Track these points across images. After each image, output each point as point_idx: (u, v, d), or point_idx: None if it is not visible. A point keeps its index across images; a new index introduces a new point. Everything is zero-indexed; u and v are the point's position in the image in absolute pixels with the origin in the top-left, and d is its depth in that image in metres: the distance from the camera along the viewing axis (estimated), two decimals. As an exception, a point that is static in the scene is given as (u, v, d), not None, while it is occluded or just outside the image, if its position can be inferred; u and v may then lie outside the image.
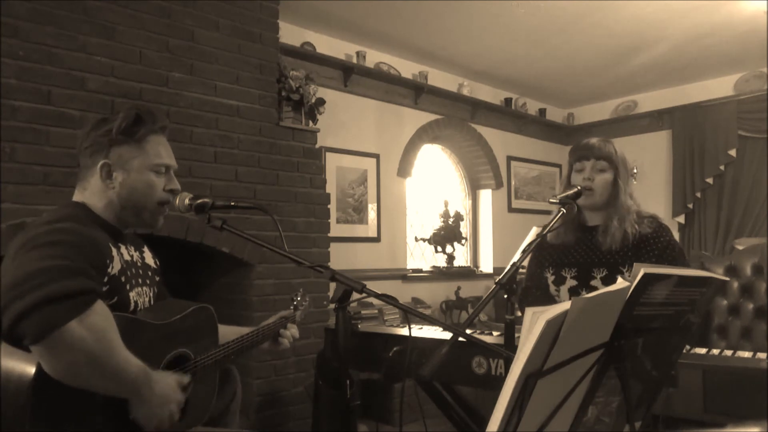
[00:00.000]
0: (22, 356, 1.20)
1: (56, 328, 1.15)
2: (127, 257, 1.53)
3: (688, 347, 1.90)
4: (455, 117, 4.96)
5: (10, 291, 1.17)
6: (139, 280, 1.55)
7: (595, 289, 1.98)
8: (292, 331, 1.88)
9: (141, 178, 1.50)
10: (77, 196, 1.53)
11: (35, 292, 1.16)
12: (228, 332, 1.75)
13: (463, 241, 4.92)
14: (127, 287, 1.46)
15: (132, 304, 1.47)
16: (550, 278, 2.13)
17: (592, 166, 2.00)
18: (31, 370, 1.19)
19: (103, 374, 1.23)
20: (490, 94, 5.28)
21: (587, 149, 2.03)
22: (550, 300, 2.12)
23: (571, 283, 2.06)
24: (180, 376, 1.42)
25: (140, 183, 1.50)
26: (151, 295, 1.60)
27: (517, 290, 1.66)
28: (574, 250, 2.08)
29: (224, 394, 1.85)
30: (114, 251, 1.44)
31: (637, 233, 1.97)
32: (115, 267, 1.42)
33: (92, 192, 1.50)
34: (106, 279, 1.37)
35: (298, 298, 2.04)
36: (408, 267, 4.65)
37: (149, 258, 1.68)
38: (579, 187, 1.98)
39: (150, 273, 1.64)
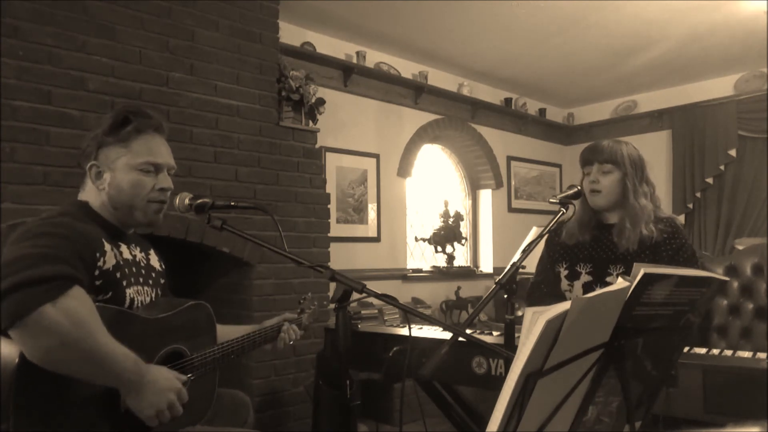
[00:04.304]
0: (11, 345, 1.21)
1: (29, 312, 1.16)
2: (127, 255, 1.53)
3: (687, 348, 1.90)
4: (455, 117, 4.95)
5: None
6: (140, 279, 1.54)
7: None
8: (290, 333, 1.88)
9: (126, 178, 1.51)
10: (80, 196, 1.56)
11: (10, 278, 1.18)
12: (229, 331, 1.75)
13: (463, 241, 4.92)
14: (123, 284, 1.46)
15: (128, 301, 1.46)
16: (564, 273, 2.12)
17: (598, 169, 2.01)
18: (15, 359, 1.19)
19: (83, 359, 1.22)
20: (490, 94, 5.28)
21: (592, 153, 2.04)
22: (559, 297, 2.12)
23: (585, 278, 2.06)
24: (176, 373, 1.41)
25: (126, 182, 1.50)
26: (153, 295, 1.60)
27: (518, 290, 1.66)
28: (590, 246, 2.08)
29: (236, 420, 1.85)
30: (108, 247, 1.44)
31: (652, 237, 1.96)
32: (108, 262, 1.42)
33: (89, 193, 1.54)
34: (97, 273, 1.37)
35: (304, 302, 2.03)
36: (408, 267, 4.65)
37: (155, 260, 1.69)
38: (579, 187, 1.99)
39: (154, 274, 1.64)
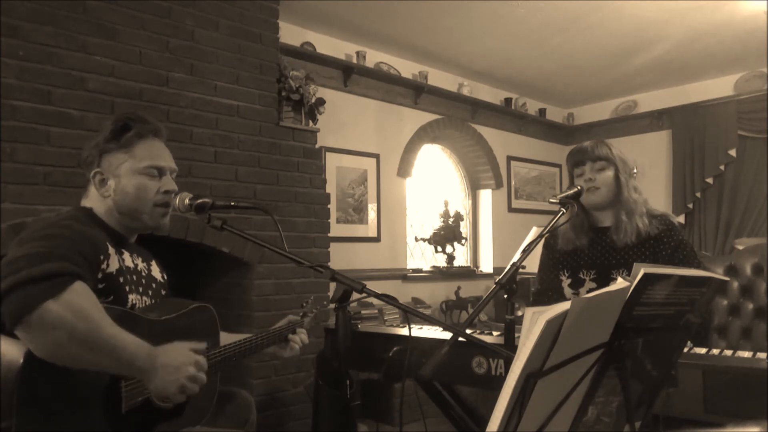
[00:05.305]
0: (15, 344, 1.21)
1: (32, 310, 1.17)
2: (129, 264, 1.54)
3: (689, 346, 1.90)
4: (455, 117, 4.95)
5: None
6: (140, 289, 1.55)
7: None
8: (302, 336, 1.88)
9: (131, 183, 1.52)
10: (83, 203, 1.56)
11: (12, 276, 1.19)
12: (228, 337, 1.74)
13: (463, 241, 4.92)
14: (126, 289, 1.46)
15: (129, 306, 1.47)
16: (566, 281, 2.12)
17: (591, 168, 2.02)
18: (20, 358, 1.19)
19: (92, 350, 1.22)
20: (490, 94, 5.28)
21: (582, 153, 2.05)
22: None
23: (590, 285, 2.06)
24: (192, 343, 1.40)
25: (131, 187, 1.52)
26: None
27: (518, 290, 1.66)
28: (589, 251, 2.08)
29: (239, 420, 1.85)
30: (112, 251, 1.45)
31: (648, 232, 1.98)
32: (112, 266, 1.42)
33: (93, 200, 1.55)
34: (100, 275, 1.38)
35: (307, 305, 2.03)
36: (408, 267, 4.65)
37: (156, 271, 1.69)
38: (579, 187, 1.99)
39: (154, 285, 1.64)
